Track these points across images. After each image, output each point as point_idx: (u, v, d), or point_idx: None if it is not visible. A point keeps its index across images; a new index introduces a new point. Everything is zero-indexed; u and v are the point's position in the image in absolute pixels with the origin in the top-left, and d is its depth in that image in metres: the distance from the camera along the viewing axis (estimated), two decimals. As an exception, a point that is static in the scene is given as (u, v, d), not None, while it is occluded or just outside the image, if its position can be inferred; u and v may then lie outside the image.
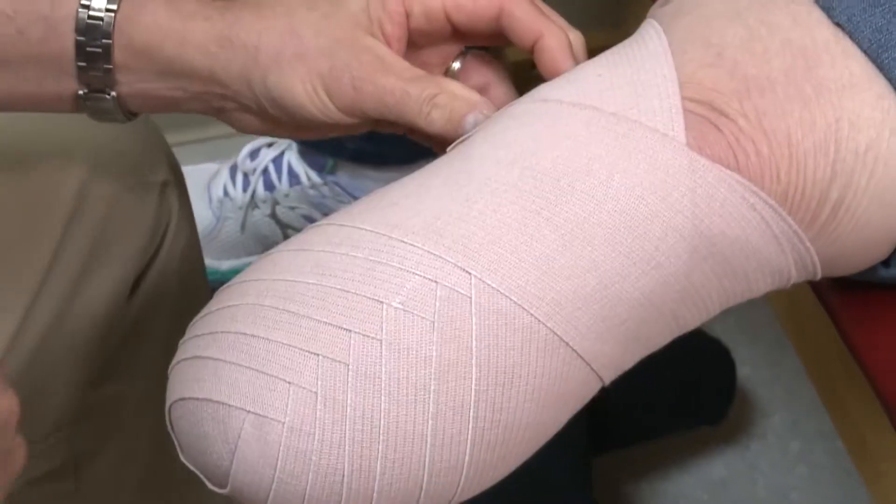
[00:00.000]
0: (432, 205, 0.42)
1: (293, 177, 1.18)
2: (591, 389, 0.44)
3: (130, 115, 0.54)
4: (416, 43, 0.52)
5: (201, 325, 0.43)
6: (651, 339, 0.45)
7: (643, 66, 0.44)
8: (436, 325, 0.40)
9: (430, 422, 0.40)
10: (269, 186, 1.18)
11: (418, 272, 0.41)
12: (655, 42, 0.45)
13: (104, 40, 0.50)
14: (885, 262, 0.47)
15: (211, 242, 1.19)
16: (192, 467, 0.43)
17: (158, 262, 0.73)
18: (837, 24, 0.43)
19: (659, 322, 0.44)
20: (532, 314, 0.41)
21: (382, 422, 0.40)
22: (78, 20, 0.50)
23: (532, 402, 0.42)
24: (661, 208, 0.42)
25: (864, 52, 0.43)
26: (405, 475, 0.41)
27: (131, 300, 0.72)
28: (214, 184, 1.20)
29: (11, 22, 0.50)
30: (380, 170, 1.16)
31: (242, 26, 0.50)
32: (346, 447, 0.40)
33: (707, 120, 0.43)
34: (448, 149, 0.47)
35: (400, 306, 0.40)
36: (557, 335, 0.41)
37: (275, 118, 0.52)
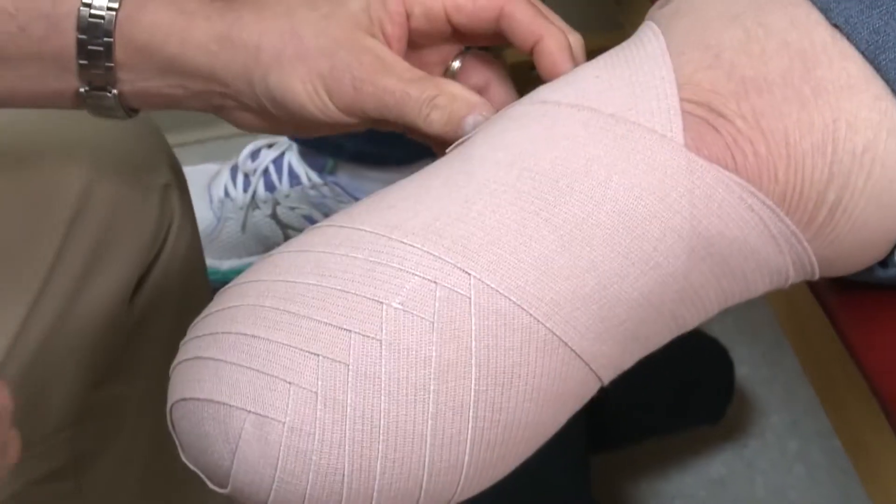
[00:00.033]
0: (432, 206, 0.43)
1: (294, 177, 1.18)
2: (590, 389, 0.44)
3: (131, 111, 0.54)
4: (416, 43, 0.53)
5: (202, 326, 0.43)
6: (650, 339, 0.45)
7: (641, 67, 0.44)
8: (435, 325, 0.40)
9: (429, 421, 0.40)
10: (270, 187, 1.18)
11: (418, 273, 0.41)
12: (653, 44, 0.45)
13: (105, 39, 0.50)
14: (883, 263, 0.47)
15: (212, 243, 1.19)
16: (193, 467, 0.43)
17: (161, 264, 0.73)
18: (835, 26, 0.43)
19: (658, 322, 0.44)
20: (531, 314, 0.41)
21: (382, 422, 0.40)
22: (79, 18, 0.50)
23: (531, 401, 0.42)
24: (660, 209, 0.42)
25: (862, 53, 0.43)
26: (405, 475, 0.41)
27: (134, 301, 0.72)
28: (215, 184, 1.20)
29: (13, 19, 0.50)
30: (380, 170, 1.16)
31: (243, 26, 0.50)
32: (347, 447, 0.40)
33: (705, 121, 0.43)
34: (447, 150, 0.47)
35: (400, 307, 0.41)
36: (556, 335, 0.42)
37: (274, 116, 0.52)
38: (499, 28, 0.51)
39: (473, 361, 0.41)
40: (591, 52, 0.49)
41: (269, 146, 1.20)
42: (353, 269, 0.41)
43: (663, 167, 0.42)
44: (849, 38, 0.43)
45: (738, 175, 0.42)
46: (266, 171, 1.19)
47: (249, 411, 0.40)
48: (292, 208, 1.19)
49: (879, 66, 0.43)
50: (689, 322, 0.45)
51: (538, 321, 0.41)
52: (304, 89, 0.50)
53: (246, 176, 1.19)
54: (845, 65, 0.43)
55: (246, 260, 1.20)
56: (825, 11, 0.44)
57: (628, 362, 0.45)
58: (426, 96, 0.49)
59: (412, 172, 0.45)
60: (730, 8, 0.45)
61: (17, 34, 0.50)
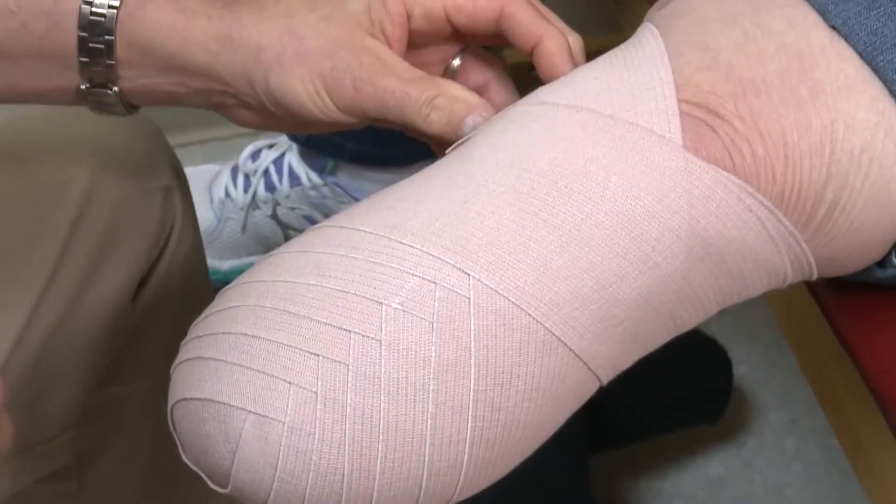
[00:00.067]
0: (431, 206, 0.43)
1: (294, 178, 1.18)
2: (588, 389, 0.44)
3: (131, 108, 0.55)
4: (416, 43, 0.53)
5: (203, 327, 0.43)
6: (649, 339, 0.45)
7: (640, 68, 0.44)
8: (435, 325, 0.41)
9: (429, 421, 0.40)
10: (270, 187, 1.19)
11: (417, 273, 0.41)
12: (652, 45, 0.45)
13: (107, 37, 0.50)
14: (880, 263, 0.47)
15: (212, 243, 1.19)
16: (193, 467, 0.43)
17: (163, 264, 0.73)
18: (833, 27, 0.44)
19: (656, 322, 0.44)
20: (530, 314, 0.41)
21: (382, 421, 0.40)
22: (81, 16, 0.50)
23: (530, 401, 0.42)
24: (658, 209, 0.42)
25: (860, 54, 0.43)
26: (405, 474, 0.41)
27: (136, 301, 0.72)
28: (216, 185, 1.21)
29: (15, 16, 0.50)
30: (380, 171, 1.16)
31: (243, 26, 0.50)
32: (346, 447, 0.40)
33: (703, 122, 0.43)
34: (447, 151, 0.47)
35: (399, 307, 0.41)
36: (555, 335, 0.42)
37: (274, 114, 0.52)
38: (499, 29, 0.51)
39: (473, 361, 0.41)
40: (591, 53, 0.50)
41: (270, 147, 1.20)
42: (352, 270, 0.42)
43: (662, 168, 0.42)
44: (846, 39, 0.43)
45: (736, 175, 0.42)
46: (266, 172, 1.19)
47: (250, 411, 0.40)
48: (293, 209, 1.19)
49: (877, 68, 0.43)
50: (688, 322, 0.45)
51: (537, 321, 0.41)
52: (305, 89, 0.50)
53: (246, 176, 1.20)
54: (843, 66, 0.43)
55: (246, 260, 1.21)
56: (823, 13, 0.44)
57: (627, 362, 0.45)
58: (426, 97, 0.49)
59: (412, 173, 0.45)
60: (728, 9, 0.45)
61: (19, 31, 0.50)
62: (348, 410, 0.40)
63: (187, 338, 0.44)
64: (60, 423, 0.68)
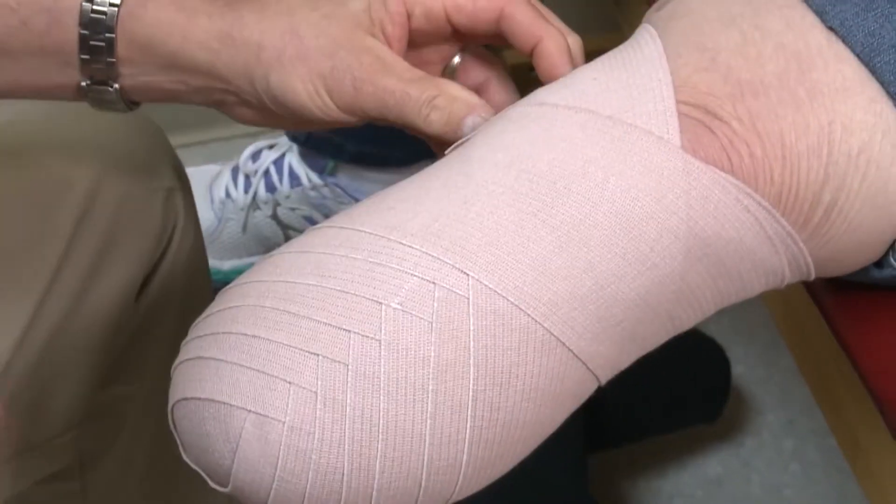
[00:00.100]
0: (431, 207, 0.43)
1: (294, 178, 1.18)
2: (587, 389, 0.44)
3: (132, 105, 0.55)
4: (416, 43, 0.53)
5: (203, 327, 0.43)
6: (647, 339, 0.45)
7: (638, 70, 0.45)
8: (434, 325, 0.41)
9: (428, 421, 0.41)
10: (271, 188, 1.19)
11: (416, 273, 0.41)
12: (650, 46, 0.45)
13: (107, 34, 0.50)
14: (878, 264, 0.47)
15: (213, 243, 1.19)
16: (194, 466, 0.43)
17: (165, 264, 0.73)
18: (830, 29, 0.44)
19: (655, 322, 0.44)
20: (529, 315, 0.41)
21: (381, 421, 0.40)
22: (81, 14, 0.50)
23: (529, 401, 0.42)
24: (656, 210, 0.42)
25: (857, 55, 0.43)
26: (404, 473, 0.41)
27: (138, 301, 0.72)
28: (216, 185, 1.21)
29: (15, 13, 0.50)
30: (380, 171, 1.16)
31: (244, 25, 0.50)
32: (346, 446, 0.40)
33: (701, 123, 0.43)
34: (447, 151, 0.47)
35: (399, 307, 0.41)
36: (554, 335, 0.42)
37: (274, 113, 0.52)
38: (499, 29, 0.51)
39: (472, 361, 0.41)
40: (590, 54, 0.50)
41: (270, 147, 1.21)
42: (352, 270, 0.42)
43: (660, 169, 0.42)
44: (844, 40, 0.43)
45: (734, 176, 0.43)
46: (267, 172, 1.19)
47: (250, 411, 0.40)
48: (293, 209, 1.19)
49: (874, 69, 0.43)
50: (686, 322, 0.45)
51: (536, 321, 0.41)
52: (305, 89, 0.50)
53: (247, 177, 1.20)
54: (840, 67, 0.43)
55: (247, 260, 1.21)
56: (821, 14, 0.44)
57: (626, 362, 0.45)
58: (426, 97, 0.49)
59: (412, 174, 0.45)
60: (726, 10, 0.45)
61: (19, 28, 0.50)
62: (348, 410, 0.40)
63: (188, 338, 0.44)
64: (63, 423, 0.68)
